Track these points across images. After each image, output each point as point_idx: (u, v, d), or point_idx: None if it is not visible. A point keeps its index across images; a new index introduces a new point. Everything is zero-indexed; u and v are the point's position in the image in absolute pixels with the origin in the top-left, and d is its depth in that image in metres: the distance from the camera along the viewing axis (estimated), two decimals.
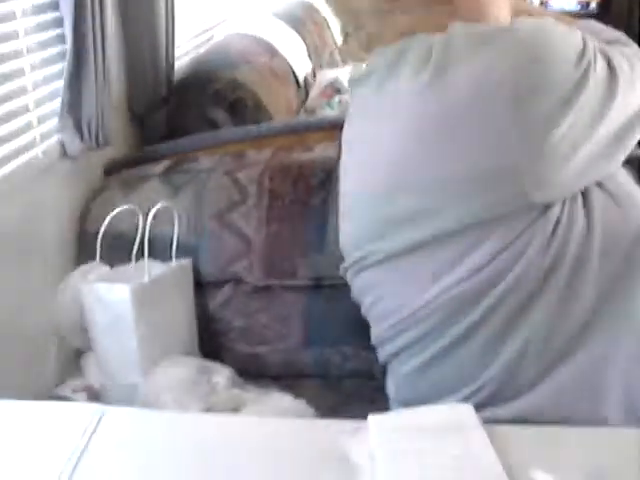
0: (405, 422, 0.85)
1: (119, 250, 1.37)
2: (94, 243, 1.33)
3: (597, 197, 0.95)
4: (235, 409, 1.24)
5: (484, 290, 0.91)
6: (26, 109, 1.40)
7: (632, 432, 0.84)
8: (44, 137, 1.45)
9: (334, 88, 2.67)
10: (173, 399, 1.23)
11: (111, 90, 1.53)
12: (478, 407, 0.86)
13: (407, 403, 1.01)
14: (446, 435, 0.80)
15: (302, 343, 1.45)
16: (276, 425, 0.92)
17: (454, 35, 0.95)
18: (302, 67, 2.52)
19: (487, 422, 0.81)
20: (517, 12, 1.33)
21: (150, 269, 1.30)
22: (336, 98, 2.60)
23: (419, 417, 0.85)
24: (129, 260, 1.35)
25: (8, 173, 1.32)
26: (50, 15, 1.45)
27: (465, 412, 0.84)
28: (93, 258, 1.36)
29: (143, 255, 1.30)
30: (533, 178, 0.89)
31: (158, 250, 1.38)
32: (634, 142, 1.00)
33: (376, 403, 1.04)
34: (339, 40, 3.33)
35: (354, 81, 1.07)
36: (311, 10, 3.23)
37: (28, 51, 1.40)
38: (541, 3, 4.88)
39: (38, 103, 1.44)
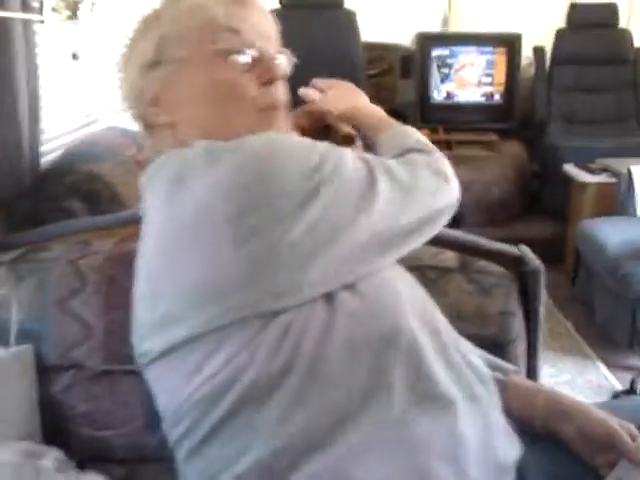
0: None
1: None
2: None
3: (345, 298, 1.04)
4: None
5: (224, 390, 1.01)
6: None
7: None
8: None
9: None
10: None
11: None
12: None
13: None
14: None
15: (145, 426, 1.48)
16: None
17: (190, 152, 1.08)
18: None
19: None
20: (349, 117, 1.44)
21: None
22: None
23: None
24: None
25: None
26: None
27: None
28: None
29: None
30: (256, 290, 1.00)
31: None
32: (406, 249, 1.11)
33: None
34: None
35: (146, 178, 1.19)
36: None
37: None
38: (447, 95, 5.12)
39: None
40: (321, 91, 1.50)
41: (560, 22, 5.11)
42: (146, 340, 1.12)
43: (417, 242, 1.18)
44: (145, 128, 1.23)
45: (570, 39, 5.06)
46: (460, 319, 1.34)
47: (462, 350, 1.15)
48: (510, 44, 5.10)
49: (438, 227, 1.23)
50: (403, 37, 5.26)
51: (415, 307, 1.11)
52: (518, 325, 1.50)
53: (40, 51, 1.87)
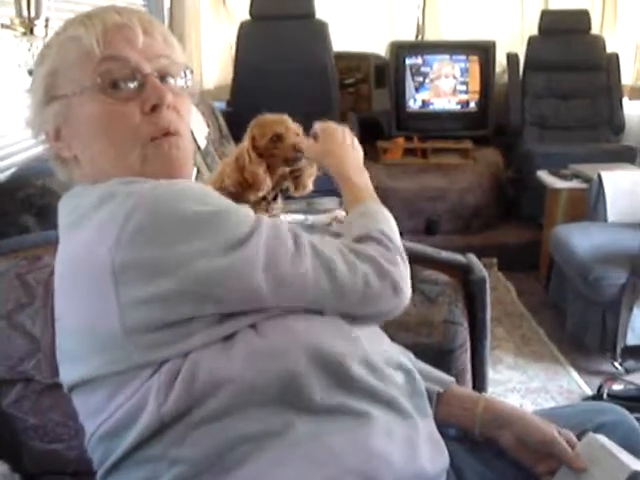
0: None
1: None
2: None
3: (246, 338, 1.04)
4: None
5: (121, 432, 1.04)
6: None
7: None
8: None
9: None
10: None
11: None
12: None
13: None
14: None
15: None
16: None
17: (89, 191, 1.12)
18: None
19: None
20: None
21: None
22: None
23: None
24: None
25: None
26: None
27: None
28: None
29: None
30: (131, 343, 1.01)
31: None
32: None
33: None
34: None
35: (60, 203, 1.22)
36: None
37: None
38: (423, 103, 5.15)
39: None
40: (314, 136, 1.51)
41: (533, 29, 5.15)
42: (61, 369, 1.15)
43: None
44: (55, 161, 1.20)
45: (542, 45, 5.09)
46: (404, 328, 1.35)
47: (386, 364, 1.14)
48: (484, 51, 5.14)
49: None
50: (378, 46, 5.29)
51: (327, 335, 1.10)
52: (464, 334, 1.51)
53: None
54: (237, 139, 4.21)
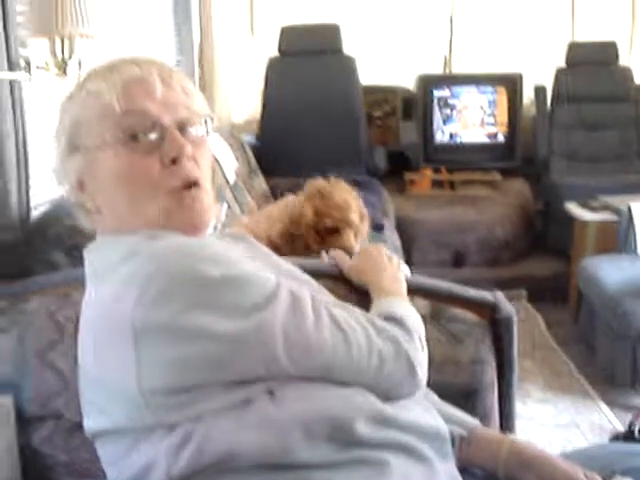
0: None
1: None
2: None
3: (262, 405, 1.05)
4: None
5: None
6: None
7: None
8: None
9: None
10: None
11: None
12: None
13: None
14: None
15: None
16: None
17: (113, 246, 1.15)
18: None
19: None
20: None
21: None
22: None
23: None
24: None
25: None
26: None
27: None
28: None
29: None
30: (145, 403, 1.03)
31: None
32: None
33: None
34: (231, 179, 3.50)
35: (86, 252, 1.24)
36: None
37: None
38: (450, 136, 5.17)
39: None
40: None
41: (560, 61, 5.15)
42: (84, 415, 1.18)
43: None
44: (79, 210, 1.23)
45: (570, 77, 5.09)
46: (431, 367, 1.35)
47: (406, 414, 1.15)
48: (511, 84, 5.15)
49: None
50: (405, 80, 5.32)
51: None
52: (491, 373, 1.50)
53: (29, 107, 1.94)
54: (266, 172, 4.31)
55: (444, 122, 5.22)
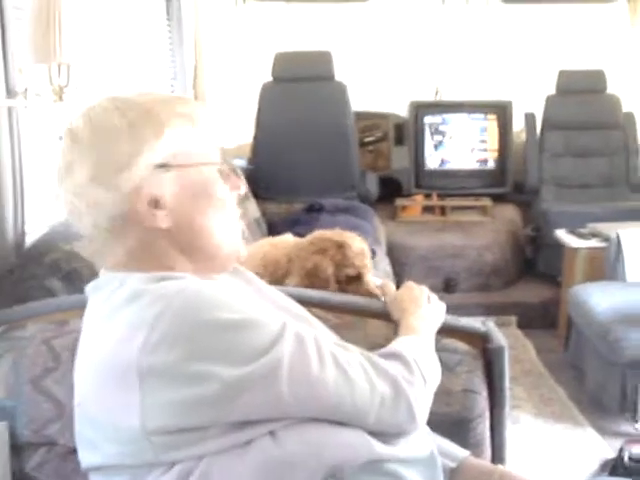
0: None
1: None
2: None
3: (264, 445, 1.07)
4: None
5: None
6: None
7: None
8: None
9: None
10: None
11: None
12: None
13: None
14: None
15: None
16: None
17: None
18: None
19: None
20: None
21: None
22: None
23: None
24: None
25: None
26: None
27: None
28: None
29: None
30: (148, 442, 1.04)
31: None
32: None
33: None
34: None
35: (89, 289, 1.23)
36: None
37: None
38: (441, 162, 5.21)
39: None
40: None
41: (550, 88, 5.21)
42: (79, 451, 1.19)
43: None
44: (123, 222, 1.14)
45: (559, 105, 5.15)
46: None
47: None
48: (502, 110, 5.20)
49: None
50: (396, 106, 5.38)
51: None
52: (482, 402, 1.52)
53: (26, 133, 1.96)
54: (258, 197, 4.32)
55: (435, 148, 5.27)
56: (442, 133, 5.25)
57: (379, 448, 1.12)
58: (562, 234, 4.34)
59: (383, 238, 4.43)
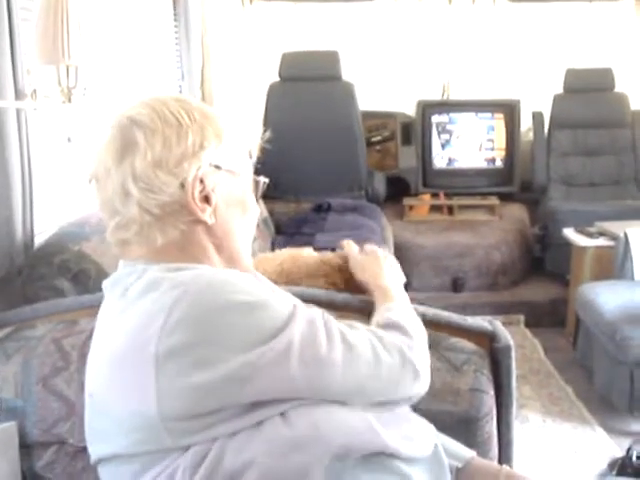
0: None
1: None
2: None
3: (275, 423, 1.08)
4: None
5: None
6: None
7: None
8: None
9: None
10: None
11: None
12: None
13: None
14: None
15: None
16: None
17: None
18: None
19: None
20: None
21: None
22: None
23: None
24: None
25: None
26: None
27: None
28: None
29: None
30: (165, 428, 1.05)
31: None
32: None
33: None
34: None
35: (106, 284, 1.24)
36: None
37: None
38: (449, 161, 5.21)
39: None
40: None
41: (558, 87, 5.20)
42: (89, 444, 1.21)
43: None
44: (172, 210, 1.17)
45: (567, 103, 5.15)
46: (430, 396, 1.37)
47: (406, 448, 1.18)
48: (509, 109, 5.20)
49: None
50: (404, 106, 5.38)
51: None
52: (489, 402, 1.52)
53: (35, 135, 1.97)
54: (265, 196, 4.31)
55: (443, 147, 5.27)
56: (449, 132, 5.26)
57: (385, 437, 1.14)
58: (570, 233, 4.34)
59: (391, 237, 4.43)
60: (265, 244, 3.80)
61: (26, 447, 1.52)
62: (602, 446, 3.10)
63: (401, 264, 4.33)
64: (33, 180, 1.92)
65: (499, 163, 5.30)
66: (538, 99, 5.29)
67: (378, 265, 1.50)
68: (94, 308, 1.62)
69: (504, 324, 1.64)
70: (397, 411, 1.22)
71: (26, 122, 1.87)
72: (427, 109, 5.24)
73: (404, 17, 5.38)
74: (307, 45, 5.11)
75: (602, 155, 5.13)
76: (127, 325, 1.10)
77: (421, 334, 1.29)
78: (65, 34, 1.95)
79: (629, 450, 2.86)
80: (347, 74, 4.85)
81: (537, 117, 5.18)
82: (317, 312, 1.17)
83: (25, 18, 1.97)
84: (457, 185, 5.24)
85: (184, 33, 4.12)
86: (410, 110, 5.33)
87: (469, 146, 5.27)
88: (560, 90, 5.18)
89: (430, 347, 1.48)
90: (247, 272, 1.25)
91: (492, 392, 1.52)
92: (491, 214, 5.08)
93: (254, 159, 1.30)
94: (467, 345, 1.54)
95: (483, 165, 5.32)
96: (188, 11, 4.10)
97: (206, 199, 1.17)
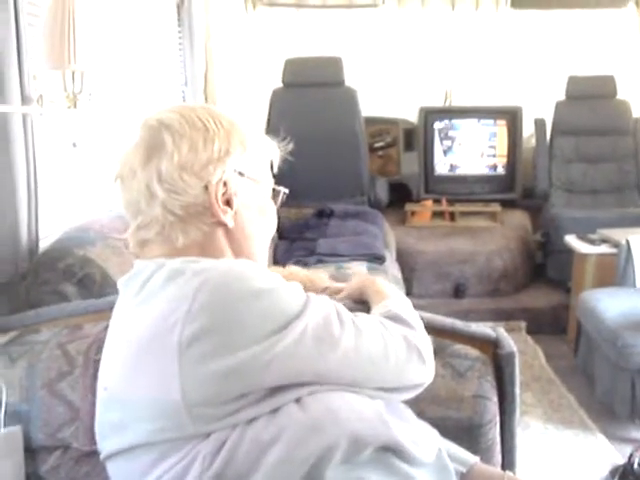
0: None
1: None
2: None
3: (291, 411, 1.09)
4: None
5: None
6: None
7: None
8: None
9: None
10: None
11: None
12: None
13: None
14: None
15: None
16: None
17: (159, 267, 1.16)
18: None
19: None
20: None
21: None
22: None
23: None
24: None
25: None
26: None
27: None
28: None
29: None
30: (188, 415, 1.06)
31: None
32: None
33: None
34: None
35: (122, 282, 1.25)
36: None
37: None
38: (451, 167, 5.22)
39: None
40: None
41: (560, 94, 5.21)
42: (100, 438, 1.21)
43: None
44: (195, 211, 1.20)
45: (569, 110, 5.16)
46: (434, 403, 1.38)
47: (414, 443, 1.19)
48: (511, 116, 5.22)
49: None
50: (406, 112, 5.39)
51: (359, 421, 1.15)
52: (493, 408, 1.52)
53: (40, 140, 1.98)
54: None
55: (445, 153, 5.28)
56: (452, 138, 5.27)
57: (395, 430, 1.15)
58: (572, 240, 4.34)
59: (393, 243, 4.44)
60: None
61: (31, 451, 1.52)
62: (603, 453, 3.10)
63: (403, 270, 4.33)
64: (38, 185, 1.92)
65: (501, 170, 5.31)
66: (540, 106, 5.30)
67: (371, 279, 1.54)
68: (99, 313, 1.64)
69: (505, 331, 1.64)
70: (404, 415, 1.23)
71: (32, 127, 1.88)
72: (429, 115, 5.25)
73: (407, 23, 5.40)
74: (310, 51, 5.12)
75: (604, 162, 5.14)
76: (151, 313, 1.11)
77: (421, 326, 1.31)
78: (71, 40, 1.95)
79: (631, 457, 2.86)
80: (350, 80, 4.87)
81: (539, 124, 5.19)
82: (328, 300, 1.20)
83: (31, 23, 1.98)
84: (459, 191, 5.25)
85: (188, 39, 4.14)
86: (412, 116, 5.34)
87: (471, 152, 5.28)
88: (562, 97, 5.20)
89: (434, 354, 1.49)
90: None
91: (495, 399, 1.53)
92: (493, 221, 5.09)
93: (275, 169, 1.34)
94: (471, 352, 1.55)
95: (485, 172, 5.33)
96: (192, 17, 4.12)
97: (228, 202, 1.22)
